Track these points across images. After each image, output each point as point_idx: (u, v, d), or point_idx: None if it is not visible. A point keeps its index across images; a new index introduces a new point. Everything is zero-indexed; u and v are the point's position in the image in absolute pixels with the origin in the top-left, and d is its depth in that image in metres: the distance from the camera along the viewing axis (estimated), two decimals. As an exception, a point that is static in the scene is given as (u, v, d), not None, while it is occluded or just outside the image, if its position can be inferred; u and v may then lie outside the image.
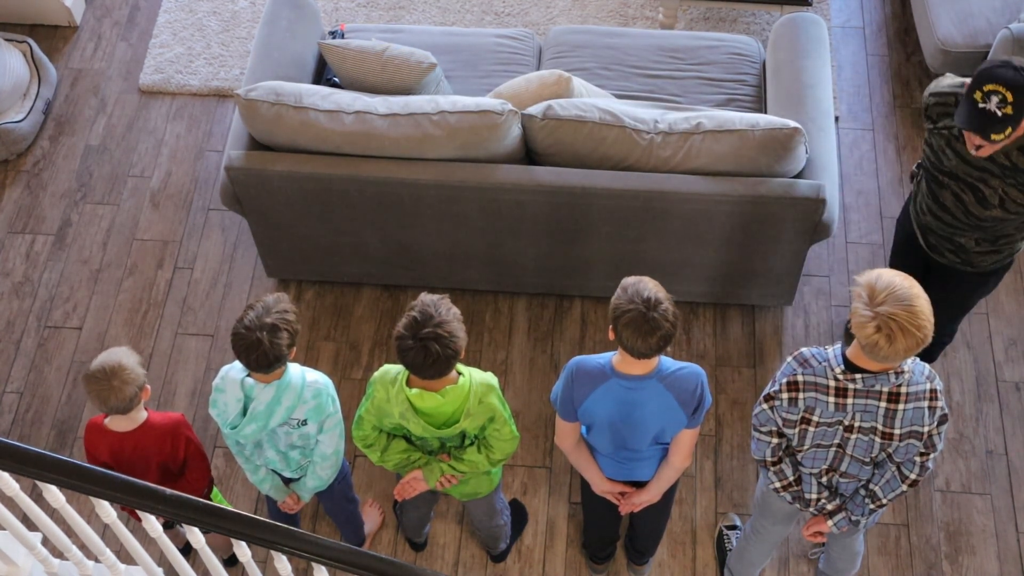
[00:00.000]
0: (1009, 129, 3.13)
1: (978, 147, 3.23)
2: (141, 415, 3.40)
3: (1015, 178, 3.31)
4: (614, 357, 3.11)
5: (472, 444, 3.29)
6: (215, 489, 3.77)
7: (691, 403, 3.11)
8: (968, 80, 3.33)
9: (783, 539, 3.67)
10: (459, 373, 3.15)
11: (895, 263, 4.04)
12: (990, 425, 4.33)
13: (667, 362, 3.11)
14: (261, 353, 3.09)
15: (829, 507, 3.28)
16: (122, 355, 3.28)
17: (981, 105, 3.12)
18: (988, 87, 3.11)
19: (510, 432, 3.23)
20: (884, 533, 4.11)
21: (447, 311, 3.00)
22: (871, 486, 3.18)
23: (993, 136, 3.14)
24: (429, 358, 2.95)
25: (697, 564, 4.08)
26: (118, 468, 3.44)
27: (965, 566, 4.05)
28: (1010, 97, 3.08)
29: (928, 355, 4.21)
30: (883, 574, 4.04)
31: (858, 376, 2.89)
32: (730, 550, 4.00)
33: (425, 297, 3.03)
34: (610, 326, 2.98)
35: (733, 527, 4.09)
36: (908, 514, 4.15)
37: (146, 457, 3.42)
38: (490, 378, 3.20)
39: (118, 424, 3.39)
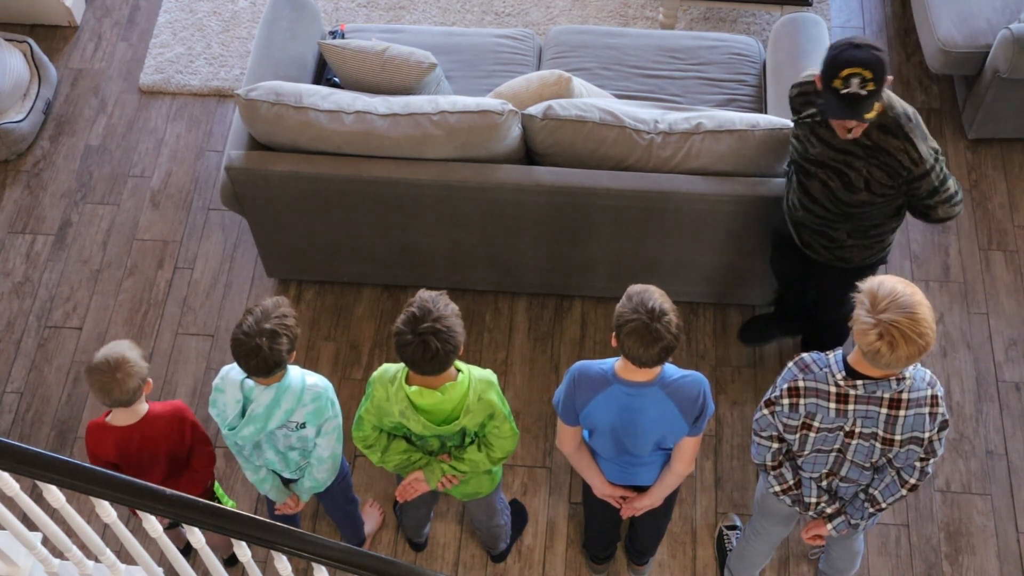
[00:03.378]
0: (877, 104, 3.20)
1: (850, 130, 3.28)
2: (143, 407, 3.41)
3: (877, 158, 3.35)
4: (617, 363, 3.10)
5: (472, 443, 3.30)
6: (216, 483, 3.77)
7: (693, 411, 3.11)
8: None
9: (783, 539, 3.67)
10: (458, 370, 3.15)
11: (775, 267, 4.06)
12: (990, 425, 4.33)
13: (670, 369, 3.10)
14: (261, 359, 3.09)
15: (829, 511, 3.27)
16: (125, 348, 3.29)
17: (844, 91, 3.17)
18: (845, 72, 3.15)
19: (510, 429, 3.23)
20: (884, 533, 4.11)
21: (445, 306, 3.00)
22: (871, 490, 3.18)
23: (866, 115, 3.20)
24: (428, 353, 2.96)
25: (697, 564, 4.08)
26: (126, 464, 3.44)
27: (965, 566, 4.05)
28: (868, 75, 3.14)
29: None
30: (883, 574, 4.04)
31: (859, 382, 2.89)
32: (730, 550, 4.00)
33: (424, 293, 3.03)
34: (613, 333, 2.97)
35: (733, 527, 4.09)
36: (908, 514, 4.15)
37: (154, 447, 3.42)
38: (489, 375, 3.20)
39: (121, 419, 3.39)
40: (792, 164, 3.61)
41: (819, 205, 3.55)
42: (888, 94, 3.33)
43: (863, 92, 3.15)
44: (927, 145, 3.35)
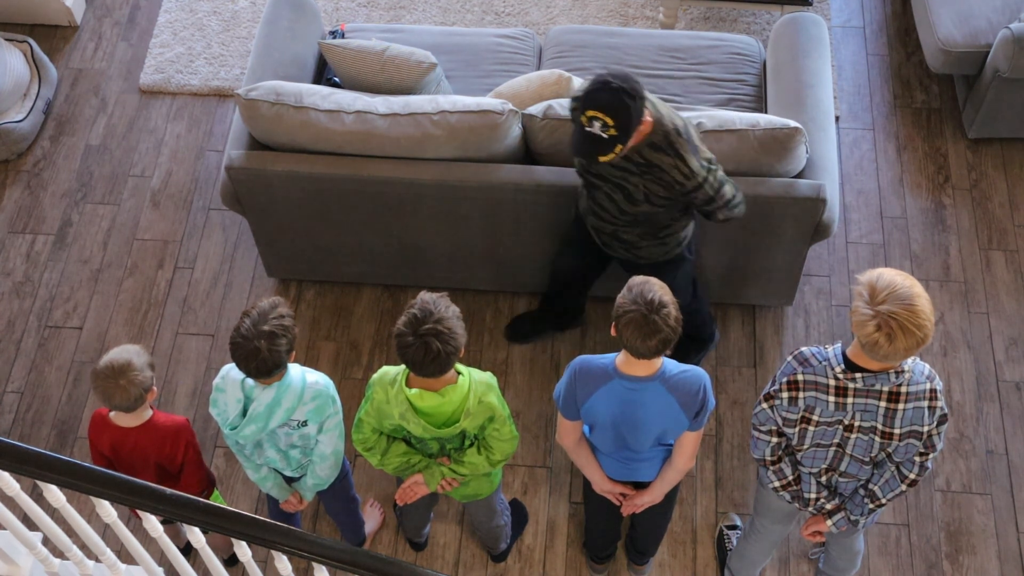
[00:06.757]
0: (619, 147, 3.18)
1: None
2: (146, 413, 3.40)
3: (652, 173, 3.37)
4: (618, 357, 3.11)
5: (472, 445, 3.29)
6: (216, 492, 3.77)
7: (693, 406, 3.11)
8: None
9: (783, 538, 3.67)
10: (458, 372, 3.15)
11: (561, 264, 4.06)
12: (990, 425, 4.33)
13: (670, 364, 3.11)
14: (260, 361, 3.09)
15: (828, 507, 3.28)
16: (133, 354, 3.27)
17: (587, 129, 3.17)
18: (589, 113, 3.16)
19: (510, 432, 3.23)
20: (884, 533, 4.11)
21: (447, 308, 3.00)
22: (870, 486, 3.18)
23: (601, 158, 3.20)
24: (429, 355, 2.96)
25: (697, 564, 4.08)
26: (117, 461, 3.45)
27: (965, 566, 4.05)
28: (610, 121, 3.14)
29: (684, 355, 4.23)
30: (883, 574, 4.04)
31: (858, 375, 2.89)
32: (730, 550, 4.00)
33: (425, 295, 3.03)
34: (612, 323, 2.99)
35: (733, 527, 4.09)
36: (908, 514, 4.15)
37: (144, 455, 3.42)
38: (489, 377, 3.20)
39: (122, 420, 3.39)
40: (579, 174, 3.62)
41: (607, 212, 3.59)
42: (658, 108, 3.34)
43: (604, 136, 3.16)
44: (698, 158, 3.38)
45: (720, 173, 3.45)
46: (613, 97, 3.14)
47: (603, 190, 3.52)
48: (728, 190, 3.48)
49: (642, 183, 3.40)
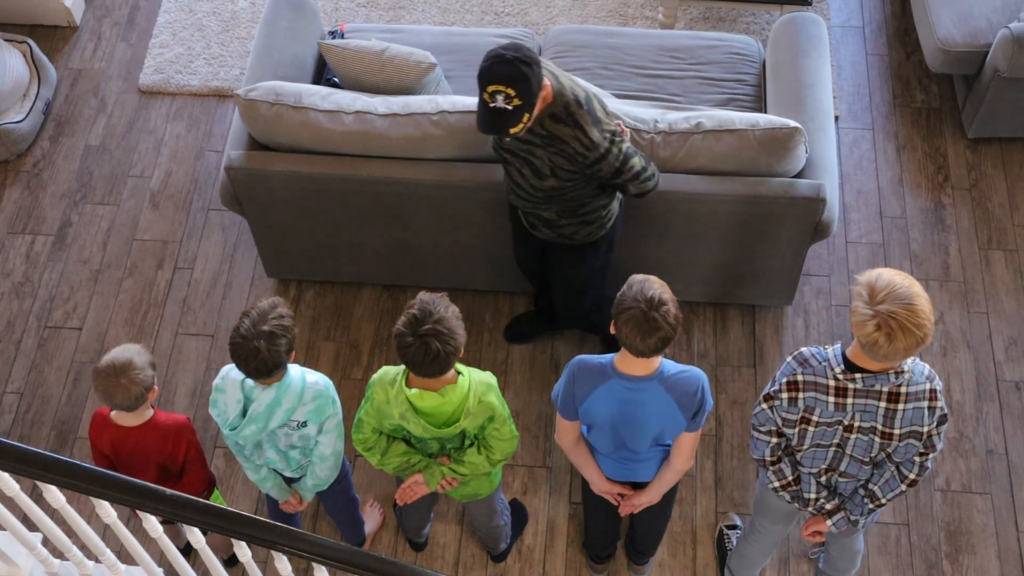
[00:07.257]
0: (526, 115, 3.21)
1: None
2: (147, 413, 3.40)
3: (555, 146, 3.37)
4: (616, 357, 3.12)
5: (472, 445, 3.30)
6: (216, 492, 3.77)
7: (691, 406, 3.11)
8: None
9: (783, 538, 3.68)
10: (458, 372, 3.15)
11: (517, 259, 4.09)
12: (990, 425, 4.33)
13: (668, 364, 3.11)
14: (260, 361, 3.09)
15: (828, 507, 3.28)
16: (134, 353, 3.27)
17: (492, 105, 3.20)
18: (491, 88, 3.18)
19: (509, 431, 3.24)
20: (884, 533, 4.11)
21: (446, 308, 3.01)
22: (870, 486, 3.18)
23: (512, 130, 3.23)
24: (429, 355, 2.96)
25: (697, 564, 4.08)
26: (118, 461, 3.45)
27: (965, 565, 4.05)
28: (512, 92, 3.17)
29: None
30: (883, 574, 4.04)
31: (858, 376, 2.89)
32: (730, 550, 4.00)
33: (424, 295, 3.03)
34: (611, 320, 2.99)
35: (733, 527, 4.10)
36: (908, 513, 4.15)
37: (145, 455, 3.42)
38: (489, 377, 3.20)
39: (122, 419, 3.39)
40: (494, 151, 3.64)
41: (522, 190, 3.60)
42: (559, 80, 3.35)
43: (509, 107, 3.18)
44: (600, 129, 3.38)
45: (626, 145, 3.45)
46: (510, 68, 3.16)
47: (514, 166, 3.53)
48: (637, 162, 3.48)
49: (547, 156, 3.40)
